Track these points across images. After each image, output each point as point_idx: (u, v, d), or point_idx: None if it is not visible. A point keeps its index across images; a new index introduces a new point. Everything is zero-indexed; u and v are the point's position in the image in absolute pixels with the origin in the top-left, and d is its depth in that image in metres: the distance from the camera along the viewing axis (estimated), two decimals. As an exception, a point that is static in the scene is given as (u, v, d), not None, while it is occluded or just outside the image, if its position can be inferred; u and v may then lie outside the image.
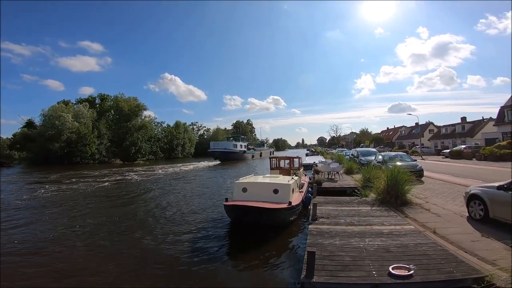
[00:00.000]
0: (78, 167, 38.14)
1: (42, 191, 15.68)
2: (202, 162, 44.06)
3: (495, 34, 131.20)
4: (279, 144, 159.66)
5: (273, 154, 66.32)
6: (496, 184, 6.02)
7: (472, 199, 6.57)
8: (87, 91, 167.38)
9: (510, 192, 5.52)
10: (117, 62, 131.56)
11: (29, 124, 51.63)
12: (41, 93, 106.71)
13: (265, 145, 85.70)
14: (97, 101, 58.46)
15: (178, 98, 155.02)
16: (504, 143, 25.76)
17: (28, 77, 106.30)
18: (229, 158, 50.25)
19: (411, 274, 3.76)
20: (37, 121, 49.90)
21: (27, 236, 7.64)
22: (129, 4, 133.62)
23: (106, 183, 19.44)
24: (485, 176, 13.87)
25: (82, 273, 5.32)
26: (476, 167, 19.45)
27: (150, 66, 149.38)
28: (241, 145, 59.57)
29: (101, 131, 50.86)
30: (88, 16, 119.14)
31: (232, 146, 55.40)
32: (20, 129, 51.83)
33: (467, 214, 6.72)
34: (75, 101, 56.05)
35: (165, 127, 71.79)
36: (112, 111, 57.72)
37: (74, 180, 21.57)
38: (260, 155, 67.19)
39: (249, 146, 67.91)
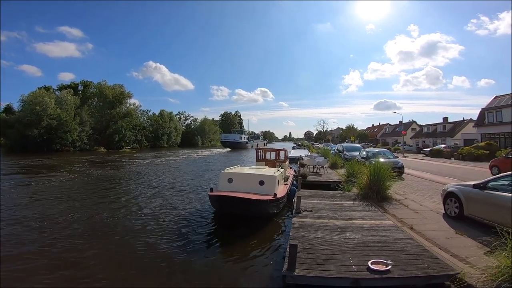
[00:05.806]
0: (57, 154, 36.73)
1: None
2: (216, 150, 59.57)
3: (484, 35, 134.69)
4: (267, 137, 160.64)
5: (266, 145, 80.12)
6: (473, 182, 6.21)
7: (449, 196, 6.76)
8: (67, 76, 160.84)
9: (485, 191, 5.72)
10: (98, 49, 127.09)
11: (7, 109, 49.33)
12: (17, 79, 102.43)
13: (260, 137, 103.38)
14: (80, 87, 56.20)
15: (164, 86, 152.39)
16: (482, 144, 26.90)
17: (4, 62, 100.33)
18: (236, 147, 66.15)
19: (388, 270, 3.85)
20: (16, 106, 47.84)
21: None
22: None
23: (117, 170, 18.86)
24: (462, 175, 14.49)
25: (70, 273, 5.00)
26: (454, 166, 20.28)
27: (135, 53, 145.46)
28: (244, 137, 75.66)
29: (83, 118, 48.98)
30: (67, 1, 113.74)
31: (239, 138, 71.33)
32: (-3, 115, 49.33)
33: (443, 211, 6.95)
34: (56, 87, 53.92)
35: (150, 115, 70.56)
36: (96, 98, 55.66)
37: (53, 168, 20.75)
38: (257, 146, 72.87)
39: (249, 139, 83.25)
